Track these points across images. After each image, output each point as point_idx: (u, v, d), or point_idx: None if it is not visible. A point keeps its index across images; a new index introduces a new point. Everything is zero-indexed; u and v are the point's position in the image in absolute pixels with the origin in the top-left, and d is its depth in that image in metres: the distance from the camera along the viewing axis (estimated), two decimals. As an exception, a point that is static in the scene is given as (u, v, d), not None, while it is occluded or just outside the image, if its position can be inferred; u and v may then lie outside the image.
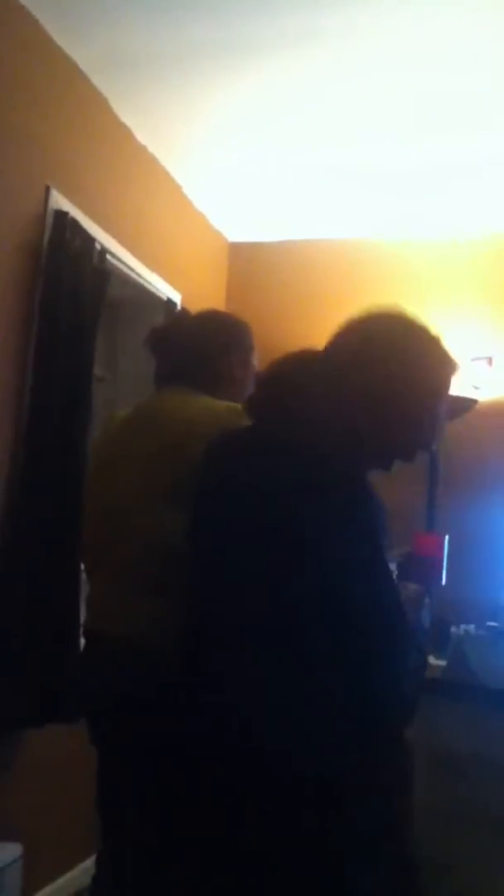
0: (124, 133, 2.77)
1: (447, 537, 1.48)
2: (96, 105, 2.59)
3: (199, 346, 1.71)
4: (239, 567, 1.19)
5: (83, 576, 2.22)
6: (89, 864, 2.49)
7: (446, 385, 1.30)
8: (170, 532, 1.50)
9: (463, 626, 2.52)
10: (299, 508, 1.15)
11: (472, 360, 3.09)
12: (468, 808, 2.06)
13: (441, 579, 1.43)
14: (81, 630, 1.74)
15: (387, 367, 1.23)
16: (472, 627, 2.58)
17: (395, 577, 1.24)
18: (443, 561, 1.46)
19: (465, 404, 3.03)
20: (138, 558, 1.56)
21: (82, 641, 1.81)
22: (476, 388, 3.09)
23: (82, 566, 2.19)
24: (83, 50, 2.38)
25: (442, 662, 2.42)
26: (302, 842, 1.12)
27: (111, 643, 1.57)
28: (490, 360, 3.17)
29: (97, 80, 2.53)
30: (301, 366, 1.31)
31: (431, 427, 1.29)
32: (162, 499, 1.54)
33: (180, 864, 1.30)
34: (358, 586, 1.12)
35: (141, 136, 2.84)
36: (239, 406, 1.61)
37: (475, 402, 3.07)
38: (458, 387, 2.94)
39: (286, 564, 1.14)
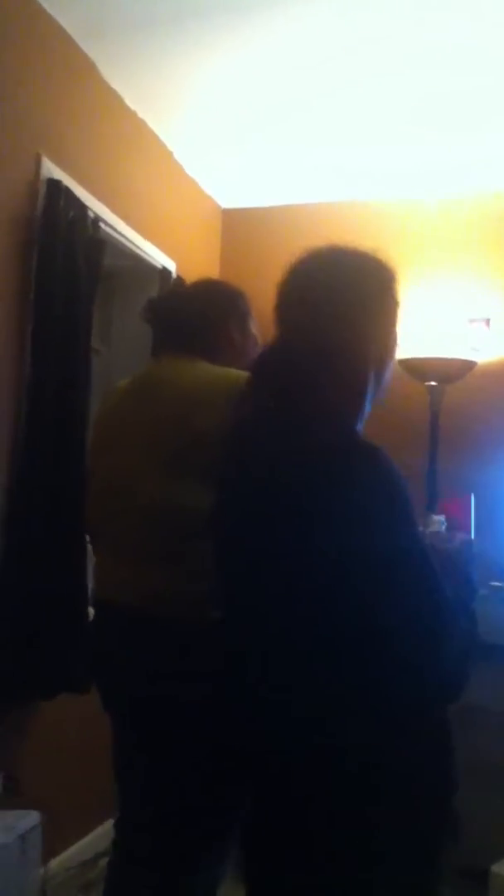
0: (114, 99, 2.73)
1: (472, 497, 1.48)
2: (85, 70, 2.55)
3: (197, 315, 1.72)
4: (266, 547, 1.16)
5: (89, 547, 2.24)
6: (107, 827, 2.55)
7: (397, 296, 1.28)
8: (175, 500, 1.52)
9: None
10: (321, 485, 1.11)
11: (470, 321, 3.09)
12: (471, 755, 2.12)
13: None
14: (90, 600, 1.76)
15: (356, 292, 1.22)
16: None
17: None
18: (471, 524, 1.47)
19: (464, 367, 3.03)
20: (143, 527, 1.57)
21: (91, 611, 1.82)
22: (474, 349, 3.08)
23: (87, 537, 2.21)
24: (70, 14, 2.33)
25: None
26: (336, 819, 1.12)
27: (119, 613, 1.58)
28: (487, 322, 3.17)
29: (85, 44, 2.48)
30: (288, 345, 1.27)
31: (391, 359, 1.28)
32: (166, 467, 1.54)
33: (202, 834, 1.32)
34: (391, 559, 1.06)
35: (130, 102, 2.80)
36: (240, 372, 1.61)
37: (474, 364, 3.07)
38: (455, 349, 2.97)
39: (313, 542, 1.10)
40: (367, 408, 1.25)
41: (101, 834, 2.57)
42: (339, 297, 1.22)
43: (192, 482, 1.51)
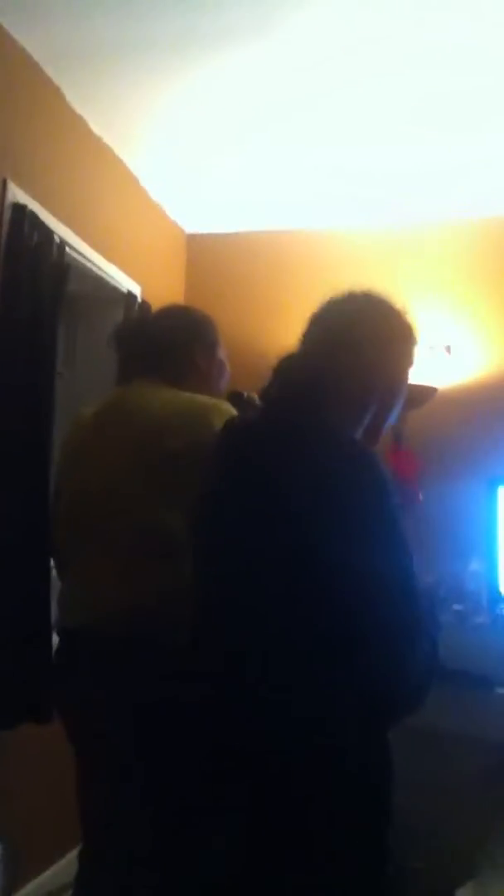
0: (79, 124, 2.74)
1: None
2: (50, 96, 2.56)
3: (164, 341, 1.73)
4: (251, 555, 1.20)
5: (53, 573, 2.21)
6: (74, 856, 2.49)
7: (414, 353, 1.43)
8: (150, 522, 1.51)
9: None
10: (313, 494, 1.16)
11: (431, 348, 3.14)
12: (437, 780, 2.13)
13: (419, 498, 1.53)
14: (55, 629, 1.73)
15: (374, 342, 1.35)
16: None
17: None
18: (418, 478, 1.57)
19: (426, 393, 3.07)
20: (117, 551, 1.56)
21: (55, 640, 1.79)
22: (435, 376, 3.13)
23: (52, 564, 2.18)
24: (37, 41, 2.34)
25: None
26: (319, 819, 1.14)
27: (94, 640, 1.56)
28: (448, 349, 3.22)
29: (51, 70, 2.49)
30: (295, 360, 1.36)
31: (401, 397, 1.41)
32: (140, 490, 1.55)
33: (190, 858, 1.31)
34: (376, 569, 1.12)
35: (96, 127, 2.81)
36: (207, 398, 1.62)
37: (435, 390, 3.12)
38: (417, 376, 3.02)
39: (301, 552, 1.15)
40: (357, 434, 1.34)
41: (67, 864, 2.52)
42: (358, 331, 1.35)
43: (166, 503, 1.51)
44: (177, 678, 1.31)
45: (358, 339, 1.34)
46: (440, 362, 3.17)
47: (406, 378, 1.41)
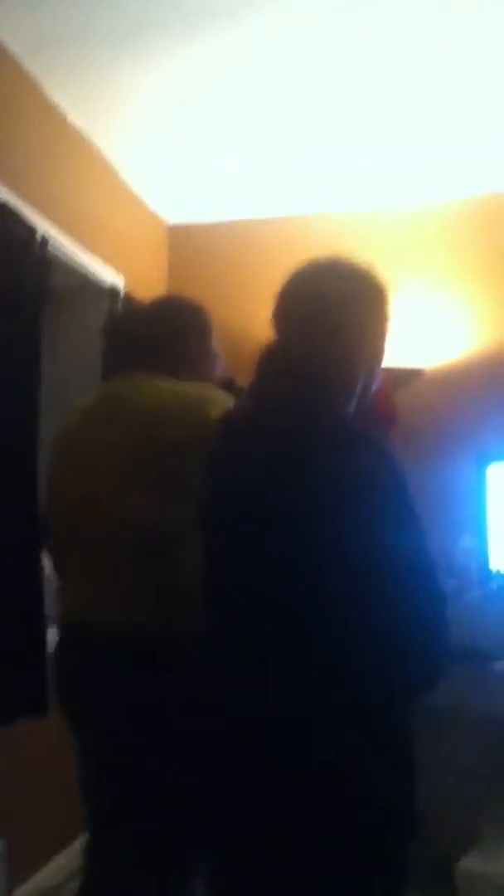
0: (58, 117, 2.73)
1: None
2: (28, 88, 2.55)
3: (156, 332, 1.73)
4: (261, 540, 1.18)
5: (49, 569, 2.21)
6: (74, 851, 2.52)
7: (389, 310, 1.39)
8: (150, 516, 1.52)
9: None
10: (318, 475, 1.15)
11: (418, 328, 3.16)
12: (437, 755, 2.16)
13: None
14: (55, 622, 1.73)
15: (354, 309, 1.32)
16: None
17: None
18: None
19: (413, 374, 3.10)
20: (118, 546, 1.56)
21: (53, 635, 1.79)
22: (422, 356, 3.15)
23: (48, 558, 2.19)
24: (12, 31, 2.33)
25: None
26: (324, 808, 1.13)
27: (96, 635, 1.56)
28: (435, 330, 3.24)
29: (27, 61, 2.47)
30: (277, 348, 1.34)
31: (382, 356, 1.39)
32: (138, 483, 1.54)
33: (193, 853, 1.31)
34: (391, 547, 1.11)
35: (74, 119, 2.80)
36: (202, 386, 1.63)
37: (422, 371, 3.15)
38: (403, 357, 3.04)
39: (310, 534, 1.13)
40: (351, 410, 1.33)
41: (68, 858, 2.54)
42: (335, 308, 1.31)
43: (164, 496, 1.52)
44: (180, 675, 1.32)
45: (335, 318, 1.30)
46: (427, 342, 3.19)
47: (385, 337, 1.38)
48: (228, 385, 1.66)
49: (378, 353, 1.37)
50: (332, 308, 1.31)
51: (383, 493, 1.14)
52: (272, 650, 1.16)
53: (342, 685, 1.12)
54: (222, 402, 1.57)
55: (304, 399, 1.25)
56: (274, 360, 1.32)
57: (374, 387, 1.38)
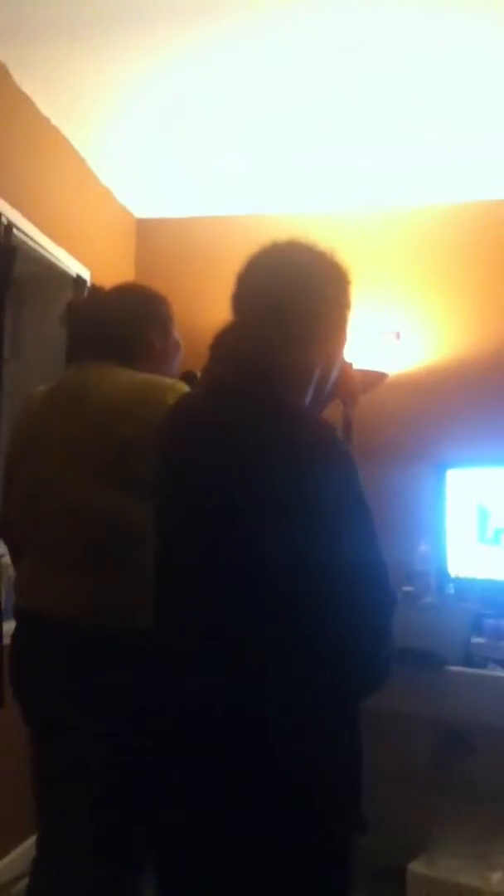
0: (26, 104, 2.68)
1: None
2: (-3, 75, 2.50)
3: (118, 321, 1.70)
4: (215, 543, 1.15)
5: (5, 559, 2.17)
6: (23, 850, 2.47)
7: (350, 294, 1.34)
8: (105, 508, 1.50)
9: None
10: (274, 470, 1.11)
11: (381, 334, 3.17)
12: (387, 757, 2.17)
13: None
14: (12, 612, 1.70)
15: (313, 292, 1.27)
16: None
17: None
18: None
19: (376, 378, 3.11)
20: (74, 537, 1.54)
21: (9, 625, 1.76)
22: (384, 362, 3.17)
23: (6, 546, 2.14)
24: (-20, 15, 2.29)
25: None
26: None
27: (53, 627, 1.54)
28: (398, 335, 3.26)
29: (-4, 48, 2.43)
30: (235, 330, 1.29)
31: (343, 346, 1.34)
32: (95, 475, 1.52)
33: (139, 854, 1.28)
34: (342, 548, 1.09)
35: (43, 108, 2.75)
36: (162, 379, 1.60)
37: (385, 375, 3.16)
38: (367, 361, 3.05)
39: (259, 531, 1.10)
40: (307, 399, 1.27)
41: (18, 857, 2.49)
42: (289, 291, 1.26)
43: (121, 489, 1.50)
44: (138, 666, 1.30)
45: (289, 302, 1.24)
46: (390, 348, 3.21)
47: (346, 325, 1.32)
48: (189, 378, 1.64)
49: (337, 341, 1.31)
50: (285, 291, 1.25)
51: (331, 490, 1.11)
52: (221, 647, 1.14)
53: (290, 683, 1.11)
54: (183, 393, 1.55)
55: (251, 387, 1.19)
56: (224, 345, 1.26)
57: (333, 377, 1.32)
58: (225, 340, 1.27)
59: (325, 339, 1.28)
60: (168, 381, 1.60)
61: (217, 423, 1.21)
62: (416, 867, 2.45)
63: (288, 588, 1.09)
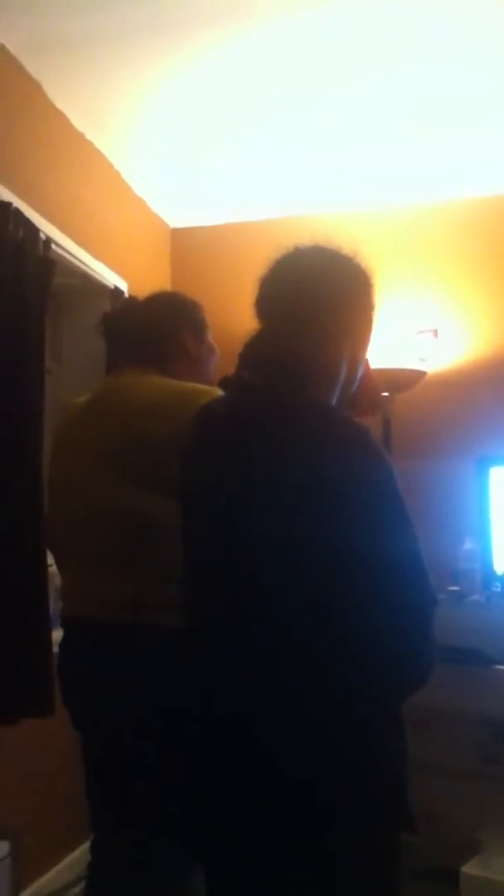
0: (60, 119, 2.74)
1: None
2: (30, 91, 2.55)
3: (151, 327, 1.72)
4: (238, 535, 1.16)
5: (53, 568, 2.21)
6: (78, 854, 2.51)
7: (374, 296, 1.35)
8: (140, 512, 1.52)
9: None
10: (295, 469, 1.12)
11: (418, 332, 3.16)
12: (438, 757, 2.15)
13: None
14: (59, 620, 1.73)
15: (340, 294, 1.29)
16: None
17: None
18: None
19: (414, 377, 3.09)
20: (104, 537, 1.57)
21: (59, 633, 1.80)
22: (422, 360, 3.15)
23: (50, 557, 2.19)
24: (14, 34, 2.33)
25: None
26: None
27: (93, 630, 1.57)
28: (435, 332, 3.24)
29: (29, 65, 2.48)
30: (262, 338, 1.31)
31: (368, 344, 1.35)
32: (129, 480, 1.54)
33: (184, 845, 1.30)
34: (380, 546, 1.08)
35: (76, 122, 2.80)
36: (195, 385, 1.62)
37: (423, 373, 3.14)
38: (405, 359, 3.04)
39: (290, 530, 1.10)
40: (334, 400, 1.29)
41: (76, 860, 2.53)
42: (314, 293, 1.28)
43: (152, 491, 1.51)
44: (178, 665, 1.31)
45: (313, 304, 1.26)
46: (428, 345, 3.19)
47: (370, 326, 1.34)
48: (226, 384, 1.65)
49: (362, 341, 1.32)
50: (310, 293, 1.27)
51: (366, 488, 1.11)
52: (253, 645, 1.14)
53: (329, 684, 1.11)
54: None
55: (277, 386, 1.21)
56: (252, 351, 1.28)
57: (358, 377, 1.33)
58: (252, 346, 1.29)
59: (349, 340, 1.29)
60: (202, 386, 1.61)
61: (243, 421, 1.23)
62: (470, 868, 2.42)
63: (324, 588, 1.09)
